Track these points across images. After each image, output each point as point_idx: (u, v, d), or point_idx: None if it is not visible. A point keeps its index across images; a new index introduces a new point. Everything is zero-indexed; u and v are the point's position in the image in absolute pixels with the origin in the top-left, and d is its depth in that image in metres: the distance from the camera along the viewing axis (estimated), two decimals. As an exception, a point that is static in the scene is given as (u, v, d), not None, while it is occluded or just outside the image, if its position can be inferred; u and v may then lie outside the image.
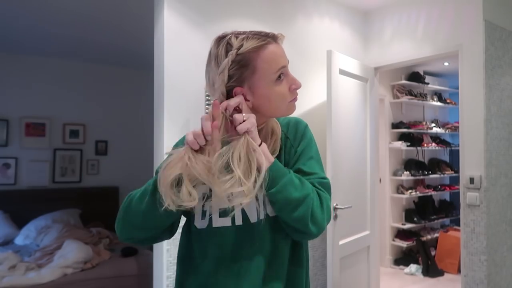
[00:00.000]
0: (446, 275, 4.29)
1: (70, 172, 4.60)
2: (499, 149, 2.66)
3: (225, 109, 0.84)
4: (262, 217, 0.88)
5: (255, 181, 0.79)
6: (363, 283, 2.94)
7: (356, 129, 2.90)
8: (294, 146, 0.96)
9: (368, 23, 3.34)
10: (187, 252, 0.95)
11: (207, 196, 0.88)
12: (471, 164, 2.59)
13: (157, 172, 0.87)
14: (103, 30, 3.61)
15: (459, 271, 3.59)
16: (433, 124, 5.18)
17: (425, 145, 4.94)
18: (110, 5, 3.02)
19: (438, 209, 5.08)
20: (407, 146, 4.70)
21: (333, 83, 2.56)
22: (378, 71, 3.25)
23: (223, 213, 0.88)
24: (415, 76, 4.85)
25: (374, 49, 3.28)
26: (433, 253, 4.56)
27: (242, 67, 0.86)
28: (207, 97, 2.36)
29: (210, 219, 0.90)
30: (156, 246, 2.34)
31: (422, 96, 4.99)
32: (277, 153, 0.93)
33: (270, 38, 0.88)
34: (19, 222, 4.06)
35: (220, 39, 0.89)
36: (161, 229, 0.89)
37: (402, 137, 4.78)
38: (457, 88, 2.75)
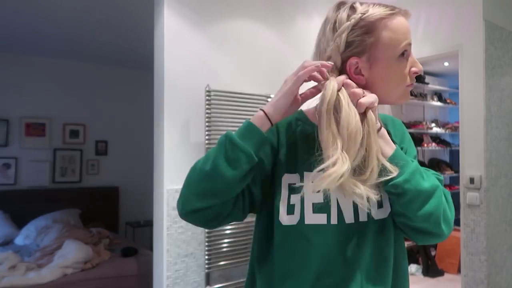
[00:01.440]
0: (446, 275, 4.29)
1: (70, 172, 4.60)
2: (499, 149, 2.66)
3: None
4: (363, 219, 0.76)
5: (372, 171, 0.68)
6: (363, 283, 2.93)
7: (356, 129, 2.90)
8: (397, 141, 0.82)
9: (368, 23, 3.33)
10: (269, 254, 0.80)
11: (293, 188, 0.76)
12: (471, 164, 2.59)
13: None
14: (103, 30, 3.61)
15: (459, 271, 3.59)
16: (433, 124, 5.18)
17: (425, 145, 4.94)
18: (110, 5, 3.02)
19: (438, 209, 5.07)
20: (407, 146, 4.69)
21: (333, 83, 2.56)
22: (378, 71, 3.25)
23: (319, 209, 0.75)
24: (415, 76, 4.85)
25: (374, 49, 3.28)
26: (433, 253, 4.55)
27: (365, 33, 0.75)
28: (207, 97, 2.36)
29: (302, 215, 0.76)
30: (156, 246, 2.34)
31: (422, 96, 4.99)
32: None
33: (400, 10, 0.78)
34: (19, 222, 4.06)
35: (341, 4, 0.79)
36: (226, 196, 0.73)
37: (402, 137, 4.77)
38: (457, 88, 2.75)
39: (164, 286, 2.21)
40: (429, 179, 0.73)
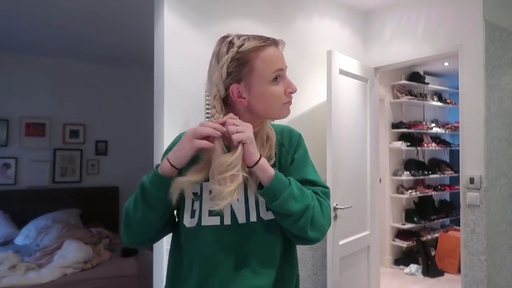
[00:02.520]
0: (446, 275, 4.29)
1: (70, 172, 4.60)
2: (499, 149, 2.66)
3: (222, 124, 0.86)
4: (253, 219, 0.90)
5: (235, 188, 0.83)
6: (363, 283, 2.94)
7: (356, 129, 2.90)
8: (290, 153, 0.98)
9: (368, 23, 3.34)
10: (177, 254, 0.98)
11: (198, 195, 0.91)
12: (471, 164, 2.59)
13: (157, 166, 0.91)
14: (103, 30, 3.61)
15: (459, 271, 3.59)
16: (433, 124, 5.18)
17: (425, 145, 4.94)
18: (110, 5, 3.02)
19: (438, 209, 5.08)
20: (407, 146, 4.70)
21: (333, 83, 2.56)
22: (378, 71, 3.25)
23: (212, 212, 0.89)
24: (415, 76, 4.85)
25: (374, 49, 3.28)
26: (433, 253, 4.56)
27: (241, 64, 0.89)
28: (207, 97, 2.36)
29: (199, 219, 0.91)
30: (156, 246, 2.34)
31: (422, 96, 4.99)
32: (274, 159, 0.95)
33: (271, 41, 0.92)
34: (19, 222, 4.06)
35: (223, 39, 0.94)
36: (157, 227, 0.94)
37: (402, 137, 4.78)
38: (457, 88, 2.75)
39: (164, 286, 2.21)
40: (303, 199, 0.86)
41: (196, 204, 0.91)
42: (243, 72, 0.89)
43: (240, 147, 0.83)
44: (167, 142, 2.26)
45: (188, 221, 0.92)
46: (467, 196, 2.59)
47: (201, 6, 2.41)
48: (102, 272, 3.07)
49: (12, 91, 4.33)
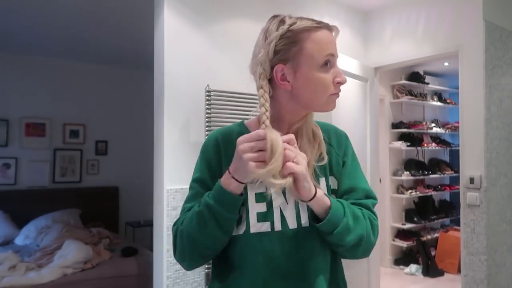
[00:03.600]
0: (446, 275, 4.29)
1: (70, 172, 4.60)
2: (499, 149, 2.66)
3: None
4: (305, 223, 0.84)
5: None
6: (363, 283, 2.94)
7: (356, 129, 2.90)
8: (340, 155, 0.92)
9: (368, 23, 3.34)
10: (222, 264, 0.88)
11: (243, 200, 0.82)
12: (471, 164, 2.59)
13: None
14: (103, 30, 3.61)
15: (459, 271, 3.59)
16: (433, 124, 5.18)
17: (425, 145, 4.94)
18: (110, 5, 3.02)
19: (438, 209, 5.08)
20: (407, 146, 4.70)
21: (333, 83, 2.56)
22: (378, 71, 3.25)
23: (262, 217, 0.83)
24: (415, 76, 4.85)
25: (374, 49, 3.28)
26: (433, 253, 4.55)
27: (290, 43, 0.82)
28: (207, 97, 2.36)
29: (247, 225, 0.83)
30: (156, 246, 2.34)
31: (422, 96, 4.99)
32: (326, 158, 0.88)
33: (324, 24, 0.85)
34: (19, 222, 4.06)
35: (274, 17, 0.88)
36: (227, 239, 0.84)
37: (402, 137, 4.78)
38: (457, 88, 2.75)
39: (164, 286, 2.21)
40: (357, 227, 0.82)
41: (242, 209, 0.83)
42: (291, 51, 0.82)
43: (290, 179, 0.73)
44: (167, 142, 2.27)
45: (234, 229, 0.84)
46: (467, 196, 2.59)
47: (201, 6, 2.41)
48: (102, 272, 3.07)
49: (12, 91, 4.33)
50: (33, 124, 4.42)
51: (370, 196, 0.91)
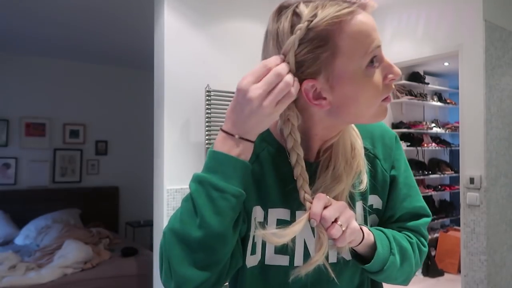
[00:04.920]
0: (446, 275, 4.29)
1: (70, 172, 4.60)
2: (499, 149, 2.66)
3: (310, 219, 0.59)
4: (333, 259, 0.69)
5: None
6: (363, 283, 2.94)
7: (356, 129, 2.90)
8: (387, 169, 0.73)
9: (368, 23, 3.33)
10: None
11: (258, 223, 0.66)
12: (471, 164, 2.59)
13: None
14: (103, 30, 3.61)
15: (459, 271, 3.59)
16: (433, 124, 5.18)
17: (425, 145, 4.94)
18: (110, 5, 3.02)
19: (438, 209, 5.07)
20: (407, 146, 4.70)
21: (333, 83, 2.56)
22: (378, 71, 3.25)
23: (281, 249, 0.67)
24: (415, 76, 4.85)
25: (374, 49, 3.28)
26: (433, 253, 4.55)
27: (317, 47, 0.57)
28: (207, 97, 2.36)
29: (263, 255, 0.68)
30: (156, 246, 2.34)
31: (422, 96, 4.98)
32: (365, 181, 0.68)
33: (357, 4, 0.59)
34: (19, 222, 4.06)
35: (282, 9, 0.61)
36: (227, 254, 0.60)
37: (402, 137, 4.77)
38: (457, 88, 2.75)
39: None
40: (405, 265, 0.69)
41: (258, 234, 0.64)
42: (320, 59, 0.57)
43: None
44: (167, 142, 2.26)
45: (248, 259, 0.68)
46: (467, 196, 2.59)
47: (201, 6, 2.41)
48: (102, 272, 3.07)
49: (12, 91, 4.33)
50: (33, 124, 4.42)
51: (422, 214, 0.75)
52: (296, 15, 0.58)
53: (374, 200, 0.73)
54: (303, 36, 0.56)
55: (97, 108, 4.80)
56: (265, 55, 0.62)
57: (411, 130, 4.82)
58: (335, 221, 0.58)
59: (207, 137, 2.35)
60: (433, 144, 5.07)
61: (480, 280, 2.52)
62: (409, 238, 0.72)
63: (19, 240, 3.86)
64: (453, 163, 5.22)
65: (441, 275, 4.27)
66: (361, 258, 0.68)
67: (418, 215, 0.75)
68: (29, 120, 4.40)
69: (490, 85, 2.59)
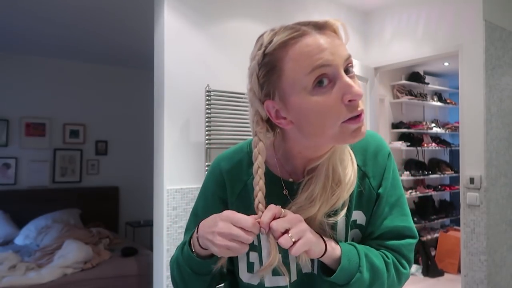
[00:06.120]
0: (446, 275, 4.29)
1: (70, 172, 4.60)
2: (499, 149, 2.66)
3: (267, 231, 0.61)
4: (306, 270, 0.74)
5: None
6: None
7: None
8: (375, 187, 0.74)
9: (368, 23, 3.34)
10: None
11: (252, 245, 0.71)
12: (471, 164, 2.59)
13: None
14: (103, 30, 3.61)
15: (459, 271, 3.59)
16: (433, 124, 5.18)
17: (425, 145, 4.94)
18: (110, 5, 3.02)
19: (438, 209, 5.08)
20: (407, 146, 4.70)
21: (333, 83, 2.56)
22: (378, 71, 3.25)
23: (277, 272, 0.69)
24: (415, 76, 4.85)
25: (374, 49, 3.28)
26: (433, 253, 4.55)
27: (269, 71, 0.63)
28: (207, 97, 2.36)
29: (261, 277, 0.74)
30: (156, 246, 2.34)
31: (422, 96, 4.99)
32: (345, 206, 0.69)
33: (308, 27, 0.61)
34: (19, 222, 4.06)
35: (258, 38, 0.66)
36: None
37: (402, 137, 4.78)
38: (457, 88, 2.75)
39: (164, 286, 2.21)
40: (375, 286, 0.69)
41: (254, 255, 0.73)
42: (271, 81, 0.63)
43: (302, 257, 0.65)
44: (167, 142, 2.26)
45: (245, 276, 0.75)
46: (467, 196, 2.59)
47: (201, 6, 2.41)
48: (102, 272, 3.07)
49: (12, 91, 4.33)
50: (33, 124, 4.42)
51: (406, 234, 0.74)
52: (261, 42, 0.64)
53: (358, 216, 0.74)
54: (261, 61, 0.63)
55: (97, 108, 4.80)
56: (248, 75, 0.68)
57: (411, 130, 4.82)
58: (287, 232, 0.60)
59: (207, 137, 2.35)
60: (433, 144, 5.07)
61: (480, 280, 2.52)
62: (385, 257, 0.72)
63: (19, 240, 3.86)
64: (453, 163, 5.22)
65: (441, 275, 4.27)
66: (330, 270, 0.69)
67: (400, 235, 0.74)
68: (29, 120, 4.40)
69: (490, 85, 2.59)
